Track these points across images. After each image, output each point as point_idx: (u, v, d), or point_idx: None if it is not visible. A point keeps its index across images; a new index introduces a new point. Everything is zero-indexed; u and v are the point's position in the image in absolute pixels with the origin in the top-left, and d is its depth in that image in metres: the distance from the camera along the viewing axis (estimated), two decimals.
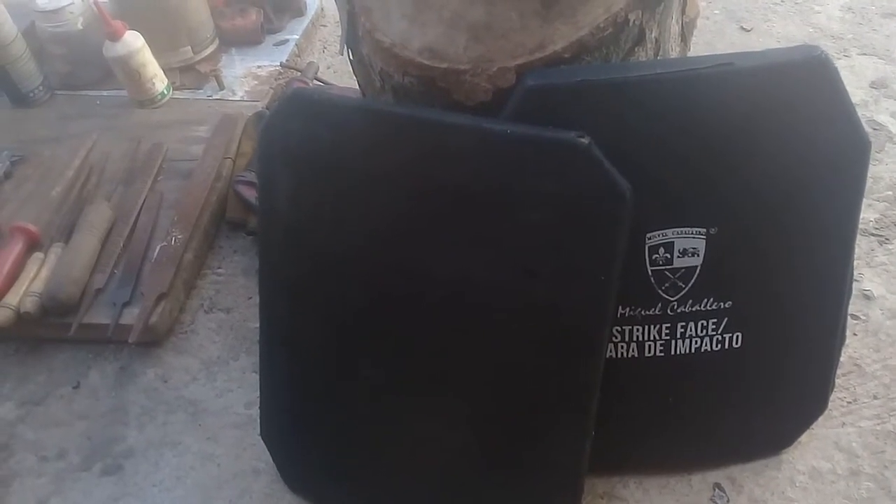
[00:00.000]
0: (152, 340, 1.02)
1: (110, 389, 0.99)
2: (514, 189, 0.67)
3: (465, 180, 0.68)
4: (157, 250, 1.07)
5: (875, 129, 1.26)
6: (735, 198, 0.72)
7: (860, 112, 1.28)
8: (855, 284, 1.02)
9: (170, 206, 1.15)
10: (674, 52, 0.82)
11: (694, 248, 0.73)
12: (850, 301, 0.97)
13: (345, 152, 0.71)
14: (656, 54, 0.76)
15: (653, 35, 0.74)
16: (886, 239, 1.09)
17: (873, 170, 1.19)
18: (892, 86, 1.34)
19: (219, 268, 1.13)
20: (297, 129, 0.73)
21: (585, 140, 0.64)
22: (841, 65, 1.38)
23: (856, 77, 1.36)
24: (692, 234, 0.73)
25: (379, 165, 0.70)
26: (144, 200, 1.16)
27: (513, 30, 0.69)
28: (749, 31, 1.53)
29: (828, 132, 0.69)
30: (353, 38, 0.80)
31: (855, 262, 1.04)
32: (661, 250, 0.73)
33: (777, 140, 0.70)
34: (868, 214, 1.12)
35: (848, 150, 0.71)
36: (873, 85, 1.34)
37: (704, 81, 0.67)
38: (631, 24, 0.70)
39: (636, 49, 0.72)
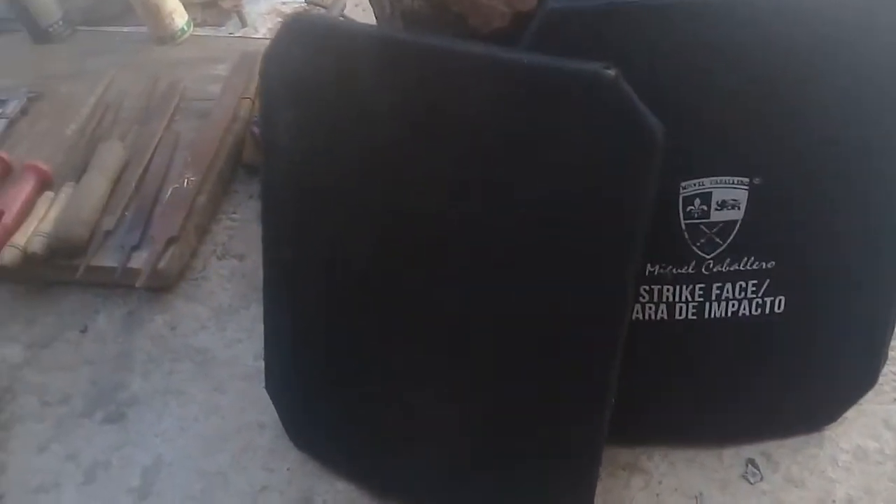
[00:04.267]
0: (162, 286, 0.98)
1: (117, 335, 0.96)
2: (531, 126, 0.60)
3: (477, 115, 0.61)
4: (169, 192, 1.03)
5: None
6: (786, 144, 0.63)
7: None
8: None
9: (185, 147, 1.10)
10: None
11: (734, 201, 0.65)
12: None
13: (348, 82, 0.65)
14: None
15: None
16: None
17: None
18: None
19: (233, 213, 1.08)
20: (298, 58, 0.67)
21: (612, 72, 0.56)
22: None
23: None
24: (733, 183, 0.65)
25: (384, 97, 0.64)
26: (159, 141, 1.11)
27: None
28: None
29: (890, 66, 0.60)
30: None
31: None
32: (697, 201, 0.65)
33: (841, 76, 0.61)
34: None
35: None
36: None
37: (751, 7, 0.58)
38: None
39: None
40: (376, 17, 0.80)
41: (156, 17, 1.22)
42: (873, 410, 0.79)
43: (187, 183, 1.04)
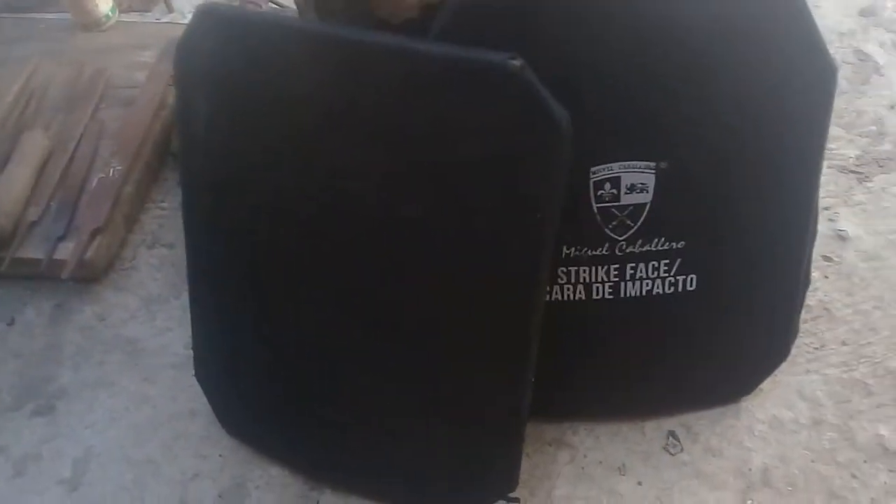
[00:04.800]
0: (90, 276, 0.97)
1: (45, 327, 0.95)
2: (440, 117, 0.61)
3: (388, 106, 0.62)
4: (94, 182, 1.02)
5: (861, 59, 1.18)
6: (688, 129, 0.65)
7: (847, 42, 1.21)
8: (830, 224, 0.96)
9: (111, 136, 1.08)
10: None
11: (643, 184, 0.67)
12: (825, 242, 0.94)
13: (260, 72, 0.65)
14: None
15: None
16: (866, 177, 1.02)
17: (856, 103, 1.12)
18: (882, 14, 1.25)
19: (162, 201, 1.07)
20: (211, 49, 0.66)
21: (518, 62, 0.57)
22: None
23: (844, 4, 1.27)
24: (640, 168, 0.66)
25: (295, 87, 0.64)
26: (84, 129, 1.09)
27: None
28: None
29: (791, 58, 0.63)
30: None
31: (832, 201, 0.99)
32: (608, 186, 0.67)
33: (736, 66, 0.63)
34: (848, 150, 1.05)
35: (812, 77, 0.64)
36: (862, 13, 1.25)
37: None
38: None
39: None
40: (296, 6, 0.80)
41: (80, 3, 1.19)
42: (788, 381, 0.83)
43: (113, 172, 1.02)
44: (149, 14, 1.28)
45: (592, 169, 0.66)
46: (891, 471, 0.75)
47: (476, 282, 0.65)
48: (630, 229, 0.69)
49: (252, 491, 0.78)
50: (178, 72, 0.71)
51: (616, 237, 0.69)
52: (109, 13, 1.23)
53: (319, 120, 0.64)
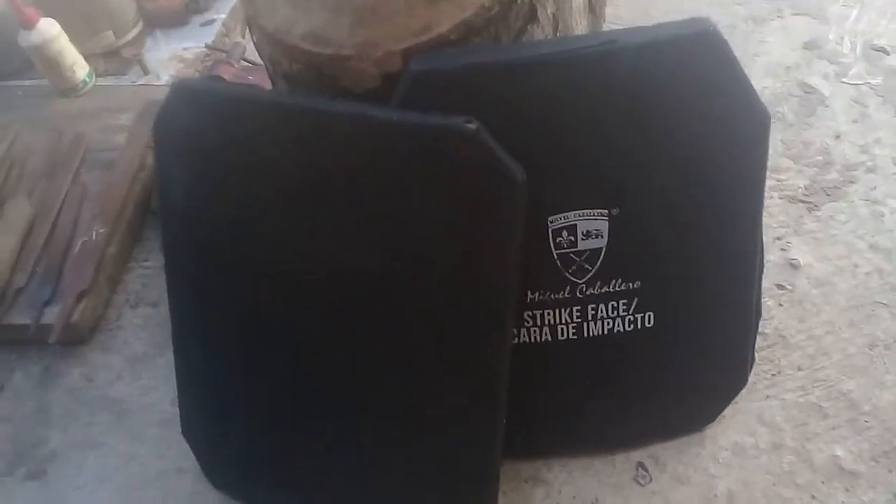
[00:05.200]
0: (76, 339, 1.00)
1: (34, 390, 0.97)
2: (404, 177, 0.65)
3: (354, 169, 0.66)
4: (78, 246, 1.05)
5: (807, 91, 1.24)
6: (636, 179, 0.70)
7: (792, 75, 1.27)
8: (783, 253, 1.01)
9: (93, 199, 1.12)
10: (579, 25, 0.80)
11: (597, 230, 0.72)
12: (778, 270, 0.99)
13: (233, 143, 0.69)
14: (556, 31, 0.74)
15: (548, 11, 0.71)
16: (815, 206, 1.07)
17: (803, 135, 1.18)
18: (825, 47, 1.32)
19: (145, 260, 1.11)
20: (186, 122, 0.71)
21: (473, 126, 0.62)
22: (774, 26, 1.36)
23: (789, 38, 1.33)
24: (594, 215, 0.71)
25: (266, 156, 0.68)
26: (66, 194, 1.13)
27: (398, 13, 0.67)
28: None
29: (723, 107, 0.68)
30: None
31: (783, 231, 1.05)
32: (565, 233, 0.72)
33: (671, 117, 0.68)
34: (798, 181, 1.11)
35: (746, 123, 0.69)
36: (806, 46, 1.32)
37: (589, 62, 0.65)
38: (520, 1, 0.67)
39: (529, 27, 0.70)
40: (268, 74, 0.84)
41: (57, 70, 1.23)
42: (748, 408, 0.87)
43: (96, 235, 1.06)
44: (125, 77, 1.32)
45: (550, 218, 0.71)
46: (847, 490, 0.79)
47: (445, 328, 0.69)
48: (588, 272, 0.73)
49: None
50: (156, 143, 0.75)
51: (576, 280, 0.74)
52: (86, 78, 1.27)
53: (289, 184, 0.69)
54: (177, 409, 0.88)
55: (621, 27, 0.74)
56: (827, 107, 1.23)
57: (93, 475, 0.88)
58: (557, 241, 0.72)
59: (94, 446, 0.91)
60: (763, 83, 1.27)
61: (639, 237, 0.72)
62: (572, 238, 0.72)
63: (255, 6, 0.71)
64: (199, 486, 0.86)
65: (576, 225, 0.71)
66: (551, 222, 0.71)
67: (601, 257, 0.73)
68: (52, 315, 0.99)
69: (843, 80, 1.27)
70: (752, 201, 0.74)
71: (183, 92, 0.71)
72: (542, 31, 0.71)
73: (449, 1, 0.66)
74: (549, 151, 0.68)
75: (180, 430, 0.85)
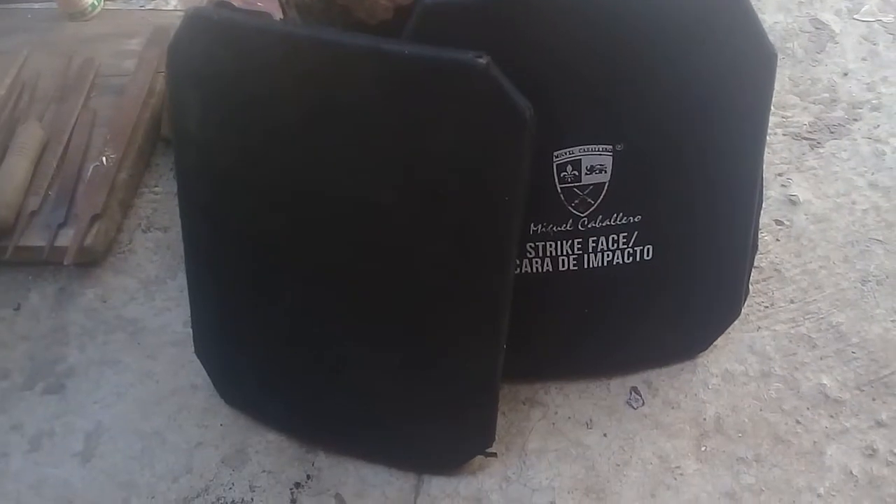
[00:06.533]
0: (90, 261, 1.03)
1: (51, 310, 1.00)
2: (414, 111, 0.67)
3: (364, 102, 0.68)
4: (90, 170, 1.07)
5: (818, 27, 1.24)
6: (639, 114, 0.72)
7: (805, 10, 1.27)
8: (782, 189, 1.03)
9: (104, 125, 1.13)
10: None
11: (601, 165, 0.73)
12: (777, 206, 1.01)
13: (246, 73, 0.70)
14: None
15: None
16: (818, 143, 1.09)
17: (811, 71, 1.18)
18: None
19: (155, 186, 1.13)
20: (200, 51, 0.72)
21: (483, 60, 0.63)
22: None
23: None
24: (599, 151, 0.73)
25: (278, 87, 0.69)
26: (77, 119, 1.14)
27: None
28: None
29: (731, 45, 0.69)
30: None
31: (785, 167, 1.06)
32: (569, 168, 0.74)
33: (680, 54, 0.69)
34: (803, 118, 1.12)
35: (753, 62, 0.70)
36: None
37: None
38: None
39: None
40: (280, 5, 0.85)
41: None
42: (740, 338, 0.90)
43: (107, 161, 1.07)
44: (133, 1, 1.31)
45: (555, 153, 0.73)
46: (831, 416, 0.83)
47: (451, 258, 0.72)
48: (591, 206, 0.76)
49: (252, 456, 0.85)
50: (169, 72, 0.76)
51: (579, 214, 0.76)
52: (95, 2, 1.26)
53: (301, 116, 0.70)
54: (189, 330, 0.92)
55: None
56: (837, 43, 1.23)
57: (110, 390, 0.92)
58: (562, 175, 0.74)
59: (110, 364, 0.94)
60: (775, 18, 1.26)
61: (641, 173, 0.74)
62: (576, 173, 0.74)
63: None
64: (211, 401, 0.90)
65: (580, 160, 0.73)
66: (556, 157, 0.73)
67: (604, 192, 0.75)
68: (65, 238, 1.01)
69: (856, 16, 1.26)
70: (754, 140, 0.76)
71: (196, 21, 0.71)
72: None
73: None
74: (557, 87, 0.69)
75: (193, 349, 0.89)
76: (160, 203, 1.11)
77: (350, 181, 0.71)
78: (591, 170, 0.74)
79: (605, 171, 0.74)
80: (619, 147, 0.73)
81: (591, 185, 0.74)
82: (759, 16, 1.26)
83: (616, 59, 0.69)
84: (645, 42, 0.68)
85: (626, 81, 0.70)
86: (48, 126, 1.12)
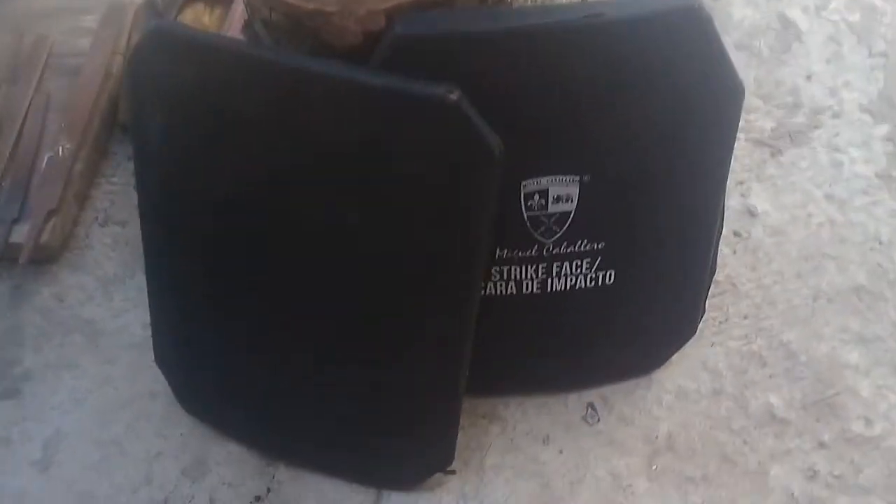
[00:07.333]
0: (45, 258, 1.00)
1: (5, 310, 0.98)
2: (382, 140, 0.66)
3: (331, 129, 0.67)
4: (45, 161, 1.04)
5: (784, 25, 1.23)
6: (606, 147, 0.72)
7: (773, 6, 1.26)
8: (742, 199, 1.04)
9: (58, 110, 1.09)
10: None
11: (568, 195, 0.74)
12: (736, 217, 1.02)
13: (209, 93, 0.69)
14: None
15: None
16: (779, 151, 1.09)
17: (776, 72, 1.18)
18: None
19: (113, 176, 1.10)
20: (161, 66, 0.70)
21: (454, 96, 0.62)
22: None
23: None
24: (566, 181, 0.73)
25: (243, 108, 0.68)
26: (30, 103, 1.10)
27: None
28: None
29: (700, 80, 0.70)
30: None
31: (746, 175, 1.07)
32: (537, 197, 0.74)
33: (648, 89, 0.69)
34: (765, 122, 1.12)
35: (720, 96, 0.71)
36: None
37: (572, 35, 0.66)
38: None
39: None
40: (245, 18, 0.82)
41: None
42: (694, 354, 0.92)
43: (62, 151, 1.04)
44: None
45: (523, 182, 0.73)
46: (776, 436, 0.86)
47: (416, 280, 0.72)
48: (556, 234, 0.76)
49: (213, 467, 0.85)
50: (129, 84, 0.74)
51: (544, 240, 0.76)
52: None
53: (266, 138, 0.69)
54: (148, 333, 0.91)
55: None
56: (802, 43, 1.22)
57: (68, 395, 0.91)
58: (529, 203, 0.74)
59: (67, 367, 0.93)
60: (743, 12, 1.25)
61: (607, 202, 0.75)
62: (543, 201, 0.74)
63: None
64: (170, 409, 0.89)
65: (548, 189, 0.73)
66: (524, 186, 0.73)
67: (569, 220, 0.75)
68: (20, 234, 0.98)
69: (823, 13, 1.26)
70: (718, 170, 0.77)
71: (159, 36, 0.69)
72: None
73: None
74: (527, 118, 0.69)
75: (152, 356, 0.88)
76: (117, 195, 1.08)
77: (314, 201, 0.71)
78: (558, 199, 0.74)
79: (572, 201, 0.74)
80: (585, 178, 0.73)
81: (557, 213, 0.75)
82: (728, 9, 1.26)
83: (587, 96, 0.69)
84: (617, 80, 0.68)
85: (596, 116, 0.70)
86: (0, 109, 1.08)
